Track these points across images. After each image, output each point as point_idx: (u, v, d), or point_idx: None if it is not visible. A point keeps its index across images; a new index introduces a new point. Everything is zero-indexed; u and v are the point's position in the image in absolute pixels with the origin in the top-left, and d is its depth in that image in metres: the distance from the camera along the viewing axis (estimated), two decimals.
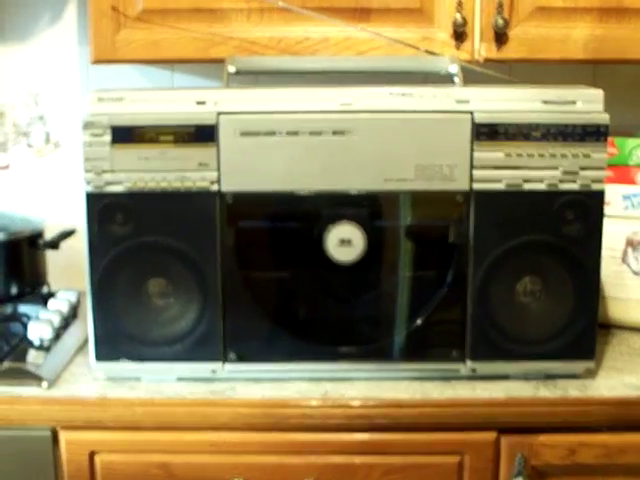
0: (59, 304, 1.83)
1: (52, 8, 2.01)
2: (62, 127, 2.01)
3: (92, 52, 1.69)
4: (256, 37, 1.67)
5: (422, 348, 1.54)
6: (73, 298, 1.87)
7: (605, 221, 1.50)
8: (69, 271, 1.83)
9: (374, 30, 1.65)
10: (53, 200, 2.04)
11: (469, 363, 1.53)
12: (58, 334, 1.74)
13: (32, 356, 1.63)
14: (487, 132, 1.46)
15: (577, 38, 1.68)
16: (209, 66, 1.71)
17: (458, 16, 1.65)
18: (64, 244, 1.91)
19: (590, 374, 1.56)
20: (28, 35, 2.02)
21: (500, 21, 1.65)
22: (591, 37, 1.68)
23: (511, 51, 1.68)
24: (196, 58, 1.68)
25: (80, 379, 1.57)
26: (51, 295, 1.90)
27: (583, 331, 1.52)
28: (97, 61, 1.70)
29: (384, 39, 1.64)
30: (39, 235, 1.90)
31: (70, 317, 1.84)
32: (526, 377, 1.55)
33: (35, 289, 1.91)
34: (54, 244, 1.88)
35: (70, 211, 1.94)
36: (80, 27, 2.00)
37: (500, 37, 1.67)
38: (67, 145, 2.02)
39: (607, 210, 1.52)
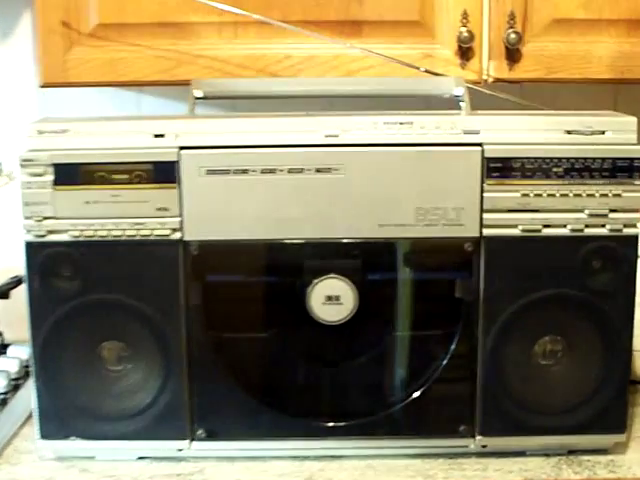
0: (7, 363, 1.65)
1: (2, 22, 1.86)
2: (16, 157, 1.77)
3: (40, 74, 1.54)
4: (229, 55, 1.55)
5: (424, 421, 1.42)
6: (24, 355, 1.67)
7: None
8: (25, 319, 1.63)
9: (366, 47, 1.53)
10: (5, 241, 1.85)
11: (479, 438, 1.41)
12: (5, 399, 1.56)
13: None
14: (500, 168, 1.34)
15: (601, 55, 1.55)
16: (183, 87, 1.54)
17: (463, 30, 1.52)
18: (18, 290, 1.69)
19: (620, 449, 1.43)
20: None
21: (512, 35, 1.51)
22: (618, 54, 1.55)
23: (525, 70, 1.55)
24: (159, 80, 1.55)
25: (24, 459, 1.42)
26: (3, 348, 1.74)
27: (613, 399, 1.40)
28: (47, 84, 1.55)
29: (378, 57, 1.53)
30: None
31: (21, 377, 1.64)
32: (546, 453, 1.42)
33: None
34: (3, 294, 1.71)
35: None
36: (35, 44, 1.79)
37: (512, 54, 1.54)
38: None
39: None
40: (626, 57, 1.55)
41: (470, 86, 1.48)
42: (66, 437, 1.39)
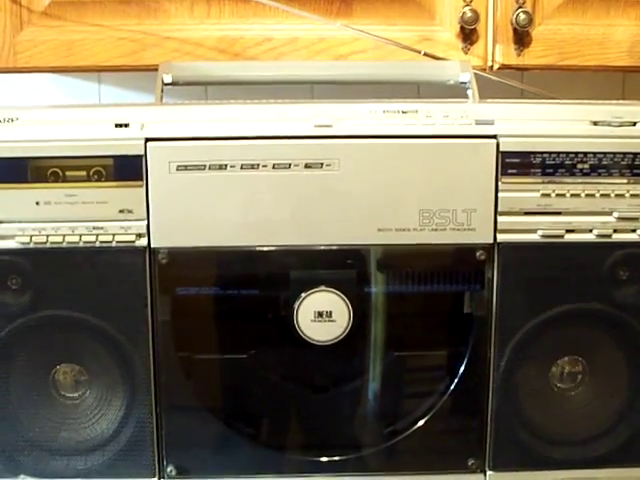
0: None
1: None
2: None
3: None
4: (201, 37, 1.48)
5: (428, 455, 1.35)
6: None
7: None
8: None
9: (358, 28, 1.46)
10: None
11: (490, 473, 1.34)
12: None
13: None
14: (517, 164, 1.27)
15: (620, 39, 1.50)
16: (147, 75, 1.49)
17: (467, 10, 1.46)
18: None
19: None
20: None
21: (522, 16, 1.45)
22: (638, 38, 1.49)
23: (535, 56, 1.49)
24: (123, 65, 1.48)
25: None
26: None
27: None
28: None
29: (370, 39, 1.46)
30: None
31: None
32: None
33: None
34: None
35: None
36: None
37: (521, 37, 1.48)
38: None
39: None
40: None
41: (479, 73, 1.43)
42: (15, 476, 1.32)
